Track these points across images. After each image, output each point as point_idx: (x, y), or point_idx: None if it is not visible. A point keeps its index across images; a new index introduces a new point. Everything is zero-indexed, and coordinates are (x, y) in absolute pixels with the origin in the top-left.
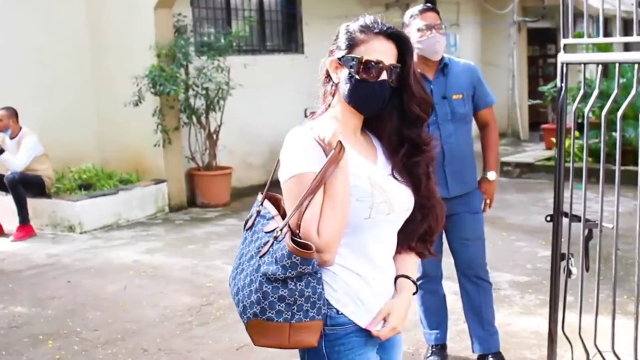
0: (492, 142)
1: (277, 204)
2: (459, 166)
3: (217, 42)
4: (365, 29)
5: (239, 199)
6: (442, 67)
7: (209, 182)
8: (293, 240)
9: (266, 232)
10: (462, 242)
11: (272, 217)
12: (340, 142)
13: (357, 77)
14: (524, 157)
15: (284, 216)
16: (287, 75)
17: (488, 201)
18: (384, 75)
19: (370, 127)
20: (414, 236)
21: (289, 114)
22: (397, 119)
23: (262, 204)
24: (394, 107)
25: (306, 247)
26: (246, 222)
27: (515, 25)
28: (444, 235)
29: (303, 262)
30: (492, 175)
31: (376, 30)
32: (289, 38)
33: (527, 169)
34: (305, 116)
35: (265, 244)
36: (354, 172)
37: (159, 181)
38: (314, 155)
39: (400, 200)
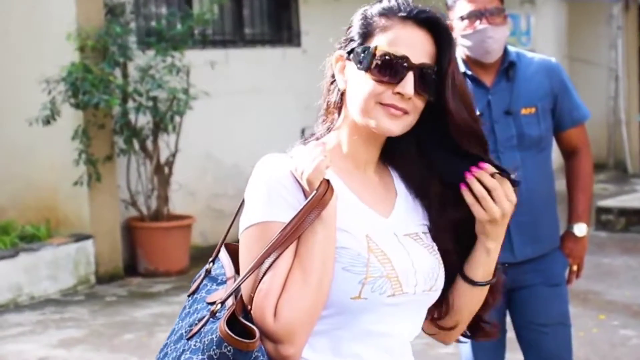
0: (582, 178)
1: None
2: (530, 216)
3: (170, 30)
4: (387, 11)
5: (202, 263)
6: (506, 67)
7: (157, 238)
8: (231, 322)
9: (208, 303)
10: (536, 330)
11: (224, 282)
12: (326, 180)
13: (368, 76)
14: (632, 200)
15: None
16: (276, 79)
17: (575, 268)
18: (408, 80)
19: (393, 159)
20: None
21: (279, 137)
22: (435, 147)
23: (213, 260)
24: (430, 130)
25: (249, 332)
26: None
27: (621, 2)
28: (507, 319)
29: (236, 356)
30: (581, 228)
31: (403, 14)
32: (279, 23)
33: (638, 218)
34: (304, 139)
35: (199, 320)
36: (345, 228)
37: (80, 237)
38: (286, 197)
39: (419, 277)
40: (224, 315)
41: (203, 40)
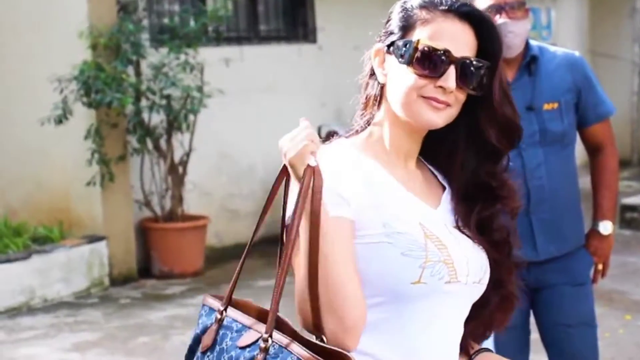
0: (607, 175)
1: (246, 308)
2: (553, 214)
3: (184, 27)
4: (428, 4)
5: (218, 264)
6: (528, 61)
7: (171, 239)
8: (311, 345)
9: (241, 348)
10: (561, 330)
11: (247, 328)
12: (312, 168)
13: (409, 70)
14: None
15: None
16: (292, 76)
17: (600, 267)
18: (450, 73)
19: (433, 157)
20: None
21: None
22: (464, 145)
23: (224, 310)
24: (466, 128)
25: (337, 356)
26: (196, 339)
27: None
28: (531, 320)
29: None
30: (606, 226)
31: (444, 7)
32: (294, 19)
33: None
34: (321, 138)
35: None
36: (399, 215)
37: (94, 239)
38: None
39: (471, 267)
40: (293, 344)
41: (217, 37)
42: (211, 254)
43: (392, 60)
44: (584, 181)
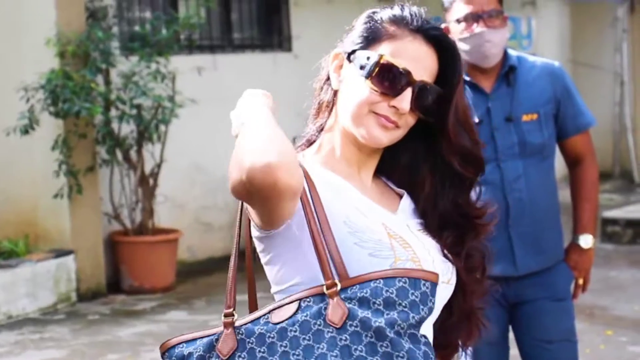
0: (587, 187)
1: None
2: (533, 227)
3: (155, 35)
4: (399, 20)
5: (190, 279)
6: (507, 71)
7: (142, 253)
8: None
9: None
10: (541, 346)
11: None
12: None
13: (367, 83)
14: None
15: None
16: (267, 85)
17: (581, 281)
18: (406, 95)
19: (394, 175)
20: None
21: None
22: (429, 169)
23: (233, 312)
24: (430, 153)
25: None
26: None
27: (626, 3)
28: (510, 335)
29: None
30: (586, 240)
31: (414, 27)
32: (269, 27)
33: None
34: (296, 145)
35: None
36: (361, 209)
37: (61, 253)
38: None
39: (437, 266)
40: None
41: (189, 45)
42: (183, 268)
43: (350, 68)
44: (564, 194)
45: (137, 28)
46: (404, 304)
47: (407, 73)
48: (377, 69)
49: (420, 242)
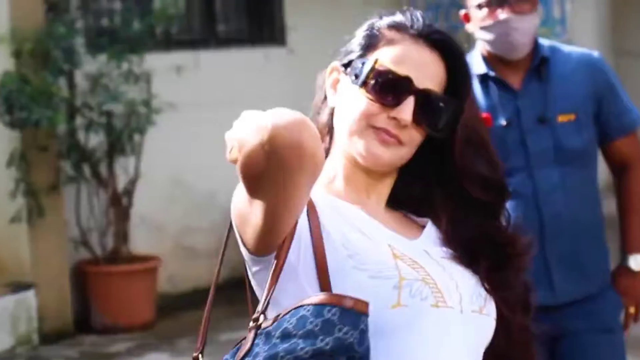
0: (637, 198)
1: None
2: (573, 247)
3: (126, 29)
4: (398, 25)
5: (172, 314)
6: (538, 64)
7: (115, 285)
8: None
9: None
10: None
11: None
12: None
13: (362, 93)
14: None
15: None
16: (257, 86)
17: (632, 310)
18: (407, 104)
19: (411, 205)
20: None
21: None
22: (444, 195)
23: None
24: (438, 170)
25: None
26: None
27: None
28: None
29: (344, 319)
30: (637, 260)
31: (414, 31)
32: (259, 18)
33: None
34: None
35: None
36: (365, 232)
37: (20, 287)
38: None
39: (463, 292)
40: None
41: (167, 41)
42: (164, 302)
43: (346, 81)
44: (609, 206)
45: (105, 22)
46: (298, 335)
47: (407, 79)
48: (372, 75)
49: (442, 267)
